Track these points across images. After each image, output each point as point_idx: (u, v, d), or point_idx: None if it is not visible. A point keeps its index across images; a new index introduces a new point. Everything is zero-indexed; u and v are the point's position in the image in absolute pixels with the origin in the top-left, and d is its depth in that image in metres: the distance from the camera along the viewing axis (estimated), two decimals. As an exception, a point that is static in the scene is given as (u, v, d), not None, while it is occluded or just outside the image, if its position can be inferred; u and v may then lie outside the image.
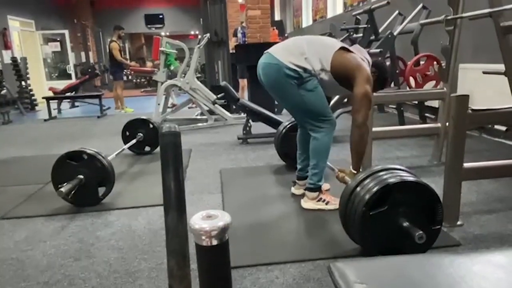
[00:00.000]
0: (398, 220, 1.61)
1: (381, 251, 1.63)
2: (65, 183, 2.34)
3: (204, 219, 0.83)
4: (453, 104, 1.96)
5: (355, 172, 2.09)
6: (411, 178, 1.67)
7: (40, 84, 10.06)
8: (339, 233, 1.89)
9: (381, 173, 1.70)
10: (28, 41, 10.35)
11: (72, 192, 2.37)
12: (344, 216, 1.76)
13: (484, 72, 3.23)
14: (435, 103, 4.26)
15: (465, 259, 0.90)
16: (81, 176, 2.42)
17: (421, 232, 1.52)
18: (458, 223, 2.04)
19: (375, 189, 1.62)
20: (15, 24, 9.65)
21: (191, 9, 15.00)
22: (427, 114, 4.43)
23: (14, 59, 8.10)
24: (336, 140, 3.19)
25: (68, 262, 1.86)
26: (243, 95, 6.29)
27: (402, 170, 1.75)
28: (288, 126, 3.11)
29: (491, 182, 2.62)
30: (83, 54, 13.70)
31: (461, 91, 3.25)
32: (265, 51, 2.25)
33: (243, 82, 6.44)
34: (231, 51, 6.73)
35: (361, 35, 5.17)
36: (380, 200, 1.61)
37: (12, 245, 2.06)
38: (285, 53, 2.15)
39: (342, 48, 2.15)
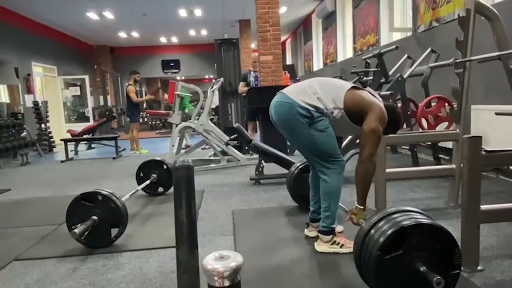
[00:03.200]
0: (415, 265, 1.56)
1: (398, 297, 1.57)
2: (79, 224, 2.36)
3: (217, 259, 0.84)
4: (466, 146, 1.96)
5: (362, 207, 2.11)
6: (427, 221, 1.64)
7: (59, 127, 10.39)
8: (354, 277, 1.83)
9: (395, 215, 1.68)
10: (49, 85, 10.81)
11: (85, 233, 2.37)
12: (358, 260, 1.72)
13: (497, 113, 3.23)
14: (448, 144, 4.23)
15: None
16: (95, 217, 2.44)
17: (439, 277, 1.47)
18: (479, 268, 1.97)
19: (389, 231, 1.59)
20: (38, 70, 10.13)
21: (205, 54, 15.56)
22: (441, 155, 4.39)
23: (35, 103, 8.43)
24: (349, 182, 3.16)
25: (78, 305, 1.83)
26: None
27: (417, 212, 1.72)
28: (301, 167, 3.11)
29: (511, 225, 2.54)
30: (101, 97, 14.19)
31: (474, 132, 3.23)
32: (278, 92, 2.32)
33: (251, 125, 6.60)
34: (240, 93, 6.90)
35: (371, 78, 5.28)
36: (395, 243, 1.57)
37: None
38: (298, 92, 2.20)
39: (354, 87, 2.21)
